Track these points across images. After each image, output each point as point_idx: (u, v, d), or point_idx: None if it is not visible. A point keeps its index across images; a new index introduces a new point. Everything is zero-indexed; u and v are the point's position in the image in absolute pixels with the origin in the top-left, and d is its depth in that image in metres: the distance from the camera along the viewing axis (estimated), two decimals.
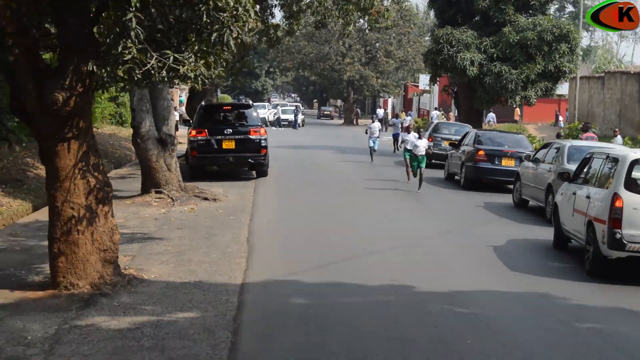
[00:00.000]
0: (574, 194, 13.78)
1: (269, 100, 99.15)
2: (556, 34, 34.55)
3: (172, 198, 19.70)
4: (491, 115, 54.89)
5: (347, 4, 18.86)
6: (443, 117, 55.07)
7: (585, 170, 14.09)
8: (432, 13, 54.64)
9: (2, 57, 10.21)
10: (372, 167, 30.55)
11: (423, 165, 23.38)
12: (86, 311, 9.88)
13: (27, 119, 10.83)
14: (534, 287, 11.75)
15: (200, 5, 9.62)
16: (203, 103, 26.15)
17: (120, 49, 9.57)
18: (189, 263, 12.77)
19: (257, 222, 17.08)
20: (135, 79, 9.77)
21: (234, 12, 9.84)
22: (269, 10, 22.49)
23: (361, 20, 33.40)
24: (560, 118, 56.25)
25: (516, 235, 16.22)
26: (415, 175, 23.72)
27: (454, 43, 34.91)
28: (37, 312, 9.86)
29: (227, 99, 68.91)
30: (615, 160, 12.70)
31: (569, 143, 18.96)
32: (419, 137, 24.08)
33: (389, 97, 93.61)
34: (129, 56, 9.45)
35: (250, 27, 10.31)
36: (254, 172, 26.03)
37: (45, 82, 10.27)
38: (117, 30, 9.70)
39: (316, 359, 8.45)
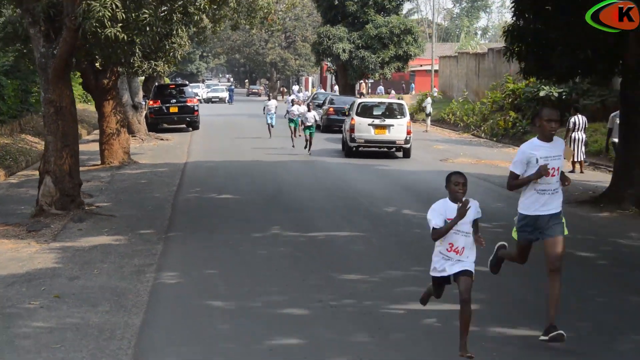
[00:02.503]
0: (346, 121, 28.60)
1: (203, 81, 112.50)
2: (402, 29, 49.36)
3: (142, 139, 33.91)
4: (380, 88, 69.99)
5: (250, 17, 31.90)
6: None
7: (355, 109, 28.81)
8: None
9: (79, 65, 24.40)
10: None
11: (312, 132, 29.05)
12: (119, 170, 24.10)
13: (90, 92, 25.12)
14: (316, 159, 26.41)
15: (165, 42, 23.97)
16: (157, 83, 40.28)
17: (131, 60, 23.90)
18: (160, 158, 27.17)
19: (192, 147, 31.51)
20: (139, 73, 24.18)
21: (180, 43, 24.25)
22: (197, 17, 36.26)
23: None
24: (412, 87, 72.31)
25: (328, 147, 30.96)
26: (306, 140, 29.02)
27: (330, 37, 49.49)
28: (100, 170, 24.08)
29: (166, 80, 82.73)
30: (355, 104, 27.59)
31: (359, 100, 33.49)
32: (309, 110, 30.02)
33: (308, 75, 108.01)
34: (137, 64, 23.80)
35: (186, 49, 24.75)
36: (190, 128, 40.27)
37: (98, 75, 24.49)
38: (130, 53, 23.99)
39: (210, 176, 22.91)
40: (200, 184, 20.96)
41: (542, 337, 8.02)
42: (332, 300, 9.69)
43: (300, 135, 30.72)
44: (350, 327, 8.69)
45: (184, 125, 40.44)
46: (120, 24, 15.15)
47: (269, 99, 38.65)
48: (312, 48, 54.20)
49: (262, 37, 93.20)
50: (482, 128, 39.77)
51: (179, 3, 20.25)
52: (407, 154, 27.41)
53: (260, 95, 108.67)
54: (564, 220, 8.39)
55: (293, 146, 30.21)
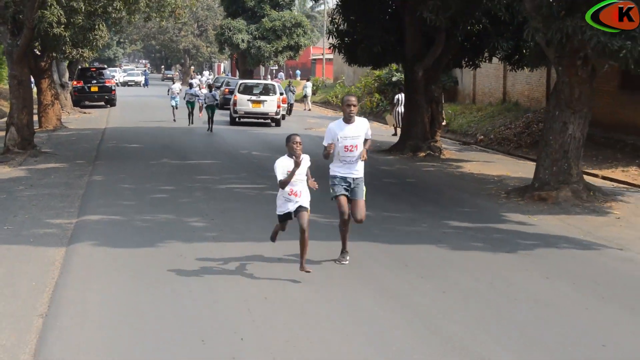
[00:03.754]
0: (230, 98, 36.50)
1: (120, 66, 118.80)
2: (293, 22, 57.35)
3: (68, 112, 41.23)
4: (281, 75, 78.01)
5: (160, 12, 39.28)
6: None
7: (237, 88, 36.63)
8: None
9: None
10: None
11: (214, 111, 33.08)
12: (54, 132, 31.53)
13: (31, 71, 32.49)
14: (203, 128, 34.18)
15: (89, 34, 31.53)
16: (80, 66, 47.49)
17: (64, 48, 31.43)
18: (85, 125, 34.64)
19: (110, 119, 39.00)
20: (69, 58, 31.71)
21: (100, 35, 31.88)
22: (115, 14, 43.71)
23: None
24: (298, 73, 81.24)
25: (220, 119, 38.75)
26: (209, 120, 32.62)
27: (231, 28, 57.22)
28: (39, 133, 31.39)
29: (86, 64, 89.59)
30: (237, 83, 35.52)
31: (240, 80, 41.24)
32: (210, 91, 34.46)
33: (220, 62, 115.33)
34: (68, 51, 31.30)
35: (105, 40, 32.39)
36: (108, 105, 47.64)
37: (37, 58, 31.91)
38: (64, 43, 31.50)
39: (124, 135, 30.57)
40: (116, 139, 28.63)
41: (342, 261, 10.55)
42: (189, 184, 17.69)
43: (200, 116, 35.97)
44: (194, 192, 16.67)
45: (102, 103, 47.75)
46: (62, 26, 22.86)
47: (174, 82, 40.59)
48: (215, 38, 61.83)
49: (176, 26, 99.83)
50: None
51: (100, 4, 27.91)
52: (278, 123, 35.51)
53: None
54: (364, 188, 10.48)
55: (190, 123, 34.92)
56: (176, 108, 37.74)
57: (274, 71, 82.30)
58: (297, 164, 9.43)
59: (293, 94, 47.04)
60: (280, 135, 30.40)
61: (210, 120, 32.54)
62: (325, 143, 10.25)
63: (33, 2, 22.01)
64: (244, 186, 17.54)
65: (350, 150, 10.15)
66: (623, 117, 24.82)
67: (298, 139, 9.55)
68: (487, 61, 26.86)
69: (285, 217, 9.82)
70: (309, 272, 9.64)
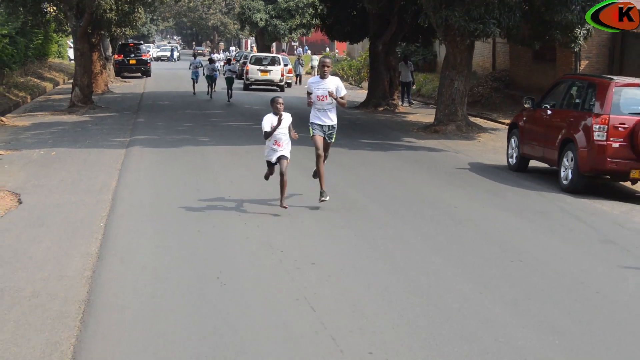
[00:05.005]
0: (245, 69, 44.76)
1: (153, 42, 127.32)
2: (306, 2, 65.33)
3: (111, 81, 49.66)
4: (299, 50, 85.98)
5: None
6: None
7: (249, 60, 44.92)
8: None
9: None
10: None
11: (232, 83, 36.71)
12: (103, 95, 39.91)
13: (88, 47, 41.04)
14: (224, 91, 42.48)
15: (130, 16, 39.94)
16: (120, 42, 55.88)
17: (110, 28, 39.87)
18: (127, 90, 43.09)
19: (147, 85, 47.42)
20: (114, 36, 40.17)
21: (138, 17, 40.30)
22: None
23: None
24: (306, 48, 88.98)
25: (236, 85, 46.99)
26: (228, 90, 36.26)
27: (251, 8, 65.38)
28: (95, 96, 39.88)
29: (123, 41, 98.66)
30: (249, 56, 43.78)
31: (252, 53, 49.51)
32: (229, 64, 42.53)
33: (247, 38, 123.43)
34: (113, 30, 39.74)
35: (142, 20, 40.81)
36: (144, 76, 56.08)
37: (90, 37, 40.27)
38: (106, 22, 39.90)
39: (158, 96, 38.97)
40: (152, 99, 37.02)
41: (322, 199, 12.35)
42: (202, 123, 26.04)
43: (215, 91, 38.87)
44: (205, 127, 24.95)
45: (139, 74, 56.22)
46: (113, 12, 31.26)
47: (195, 58, 43.64)
48: (237, 17, 70.05)
49: (205, 4, 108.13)
50: (354, 78, 56.25)
51: None
52: (282, 89, 43.81)
53: (204, 55, 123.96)
54: (334, 136, 12.76)
55: (210, 98, 37.78)
56: (196, 82, 40.77)
57: (295, 47, 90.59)
58: (279, 121, 11.73)
59: (302, 66, 55.12)
60: (280, 96, 38.75)
61: (229, 91, 36.29)
62: (307, 91, 12.62)
63: None
64: (239, 124, 25.92)
65: (321, 100, 12.22)
66: (535, 81, 32.76)
67: (280, 100, 11.80)
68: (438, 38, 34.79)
69: (271, 163, 12.17)
70: (285, 207, 11.91)
